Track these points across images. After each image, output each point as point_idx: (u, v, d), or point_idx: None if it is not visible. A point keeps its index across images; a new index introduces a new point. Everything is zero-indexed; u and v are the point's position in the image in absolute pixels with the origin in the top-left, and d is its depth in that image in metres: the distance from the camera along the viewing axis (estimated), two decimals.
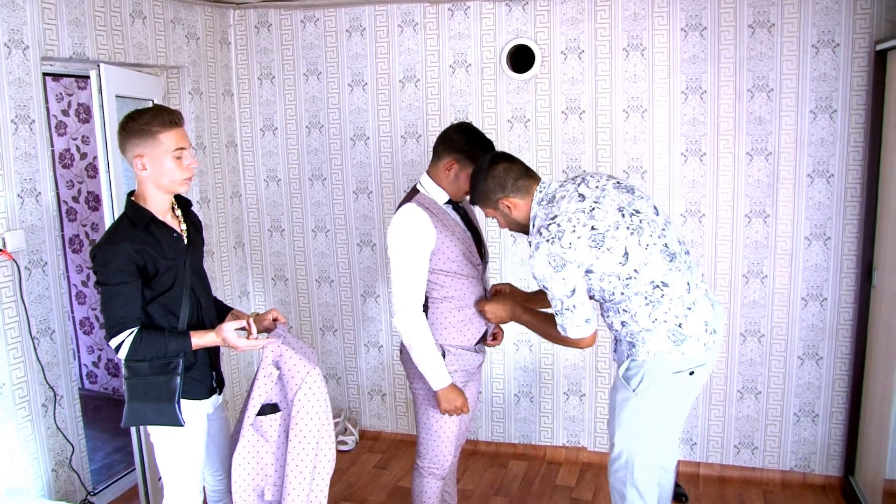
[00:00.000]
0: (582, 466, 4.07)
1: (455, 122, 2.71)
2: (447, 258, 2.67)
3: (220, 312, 2.70)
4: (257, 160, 4.41)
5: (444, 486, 3.02)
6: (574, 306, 2.40)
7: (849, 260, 3.58)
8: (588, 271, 2.39)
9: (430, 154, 2.80)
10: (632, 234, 2.37)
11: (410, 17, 3.98)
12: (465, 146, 2.65)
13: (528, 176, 2.52)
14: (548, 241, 2.34)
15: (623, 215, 2.39)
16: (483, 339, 2.86)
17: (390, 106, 4.10)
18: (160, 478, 3.48)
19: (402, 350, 2.86)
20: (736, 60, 3.57)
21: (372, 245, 4.28)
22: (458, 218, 2.75)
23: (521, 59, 3.87)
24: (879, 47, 3.28)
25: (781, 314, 3.72)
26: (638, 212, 2.43)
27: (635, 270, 2.38)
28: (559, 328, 2.47)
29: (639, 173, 3.77)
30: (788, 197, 3.62)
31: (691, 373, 2.48)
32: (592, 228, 2.34)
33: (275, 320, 2.62)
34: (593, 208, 2.37)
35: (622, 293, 2.42)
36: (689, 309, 2.44)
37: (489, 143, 2.70)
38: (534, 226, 2.47)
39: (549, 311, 2.60)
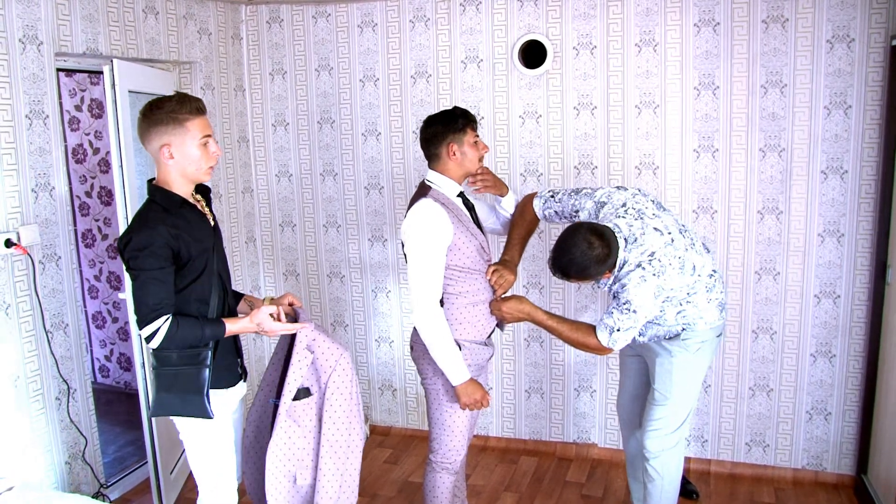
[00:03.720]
0: (592, 463, 4.07)
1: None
2: (463, 254, 2.68)
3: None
4: (269, 155, 4.42)
5: (455, 480, 3.02)
6: (636, 328, 2.67)
7: (862, 257, 3.56)
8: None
9: None
10: (692, 247, 2.74)
11: (422, 12, 3.97)
12: (445, 128, 2.71)
13: (615, 238, 2.64)
14: (654, 275, 2.61)
15: (683, 235, 2.74)
16: (492, 333, 2.87)
17: (402, 101, 4.10)
18: (172, 471, 3.51)
19: (414, 347, 2.87)
20: (749, 56, 3.55)
21: (383, 240, 4.28)
22: (468, 213, 2.76)
23: (532, 54, 3.86)
24: None
25: (794, 311, 3.70)
26: (684, 226, 2.81)
27: (699, 275, 2.76)
28: (606, 341, 2.69)
29: (651, 169, 3.76)
30: (802, 193, 3.59)
31: (720, 334, 2.96)
32: (678, 258, 2.66)
33: (290, 304, 2.61)
34: (673, 240, 2.67)
35: (688, 293, 2.77)
36: (724, 283, 2.96)
37: (454, 110, 2.76)
38: (623, 266, 2.66)
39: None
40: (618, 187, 2.87)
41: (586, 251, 2.56)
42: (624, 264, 2.65)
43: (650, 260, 2.61)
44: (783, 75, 3.52)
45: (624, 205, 2.75)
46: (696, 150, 3.70)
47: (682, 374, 2.92)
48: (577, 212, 2.88)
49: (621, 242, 2.65)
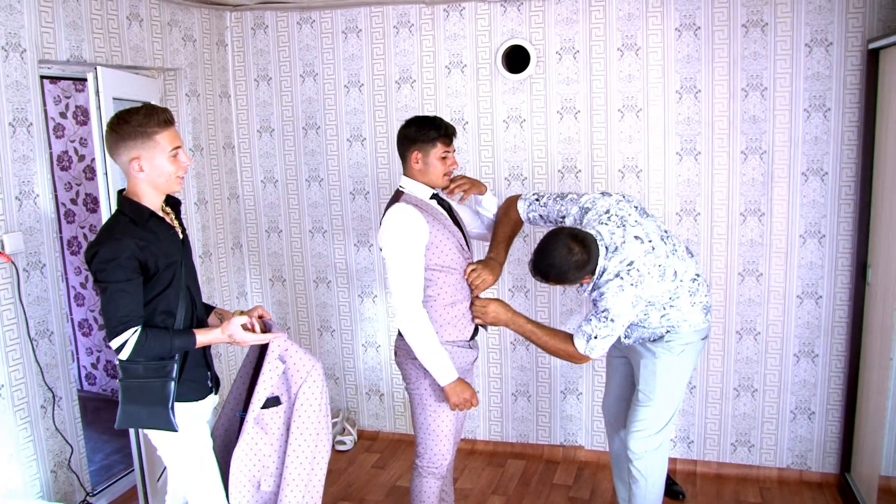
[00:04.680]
0: (579, 465, 4.08)
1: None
2: (441, 252, 2.69)
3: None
4: (254, 161, 4.42)
5: (442, 485, 3.03)
6: (614, 336, 2.70)
7: (843, 257, 3.60)
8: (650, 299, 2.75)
9: None
10: (674, 253, 2.77)
11: (406, 18, 3.99)
12: (416, 134, 2.71)
13: (595, 245, 2.66)
14: (632, 285, 2.64)
15: (664, 242, 2.77)
16: (475, 335, 2.88)
17: (386, 107, 4.11)
18: (159, 478, 3.50)
19: (398, 352, 2.87)
20: (730, 60, 3.59)
21: (369, 245, 4.29)
22: (445, 212, 2.78)
23: (516, 59, 3.89)
24: (872, 46, 3.29)
25: (777, 312, 3.74)
26: (667, 232, 2.84)
27: (681, 280, 2.80)
28: (583, 349, 2.72)
29: (634, 173, 3.79)
30: (783, 195, 3.63)
31: (705, 336, 2.99)
32: (658, 266, 2.68)
33: (260, 317, 2.58)
34: (653, 248, 2.70)
35: (670, 297, 2.80)
36: (708, 286, 2.99)
37: (434, 119, 2.75)
38: (602, 274, 2.69)
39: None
40: (602, 193, 2.89)
41: (566, 256, 2.59)
42: (603, 272, 2.69)
43: (629, 269, 2.64)
44: (763, 79, 3.56)
45: (607, 211, 2.78)
46: (678, 154, 3.73)
47: (665, 376, 2.95)
48: (563, 217, 2.91)
49: (602, 250, 2.68)
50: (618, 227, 2.72)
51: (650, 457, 3.00)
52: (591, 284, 2.74)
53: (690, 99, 3.66)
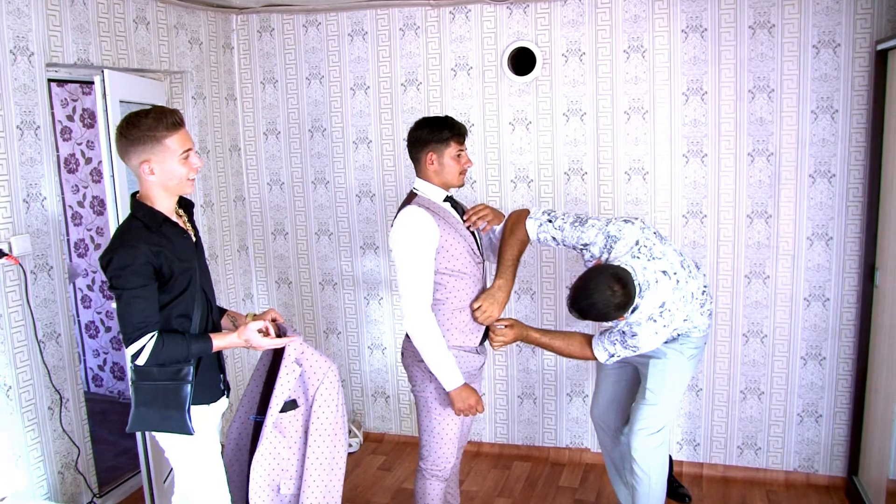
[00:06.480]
0: (585, 468, 4.08)
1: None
2: (452, 256, 2.69)
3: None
4: (260, 164, 4.43)
5: (447, 487, 3.03)
6: (632, 355, 2.82)
7: (851, 260, 3.58)
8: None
9: None
10: (690, 275, 2.80)
11: (412, 20, 4.00)
12: (429, 135, 2.71)
13: (634, 285, 2.63)
14: (665, 326, 2.72)
15: (683, 267, 2.78)
16: (483, 340, 2.87)
17: (392, 109, 4.11)
18: (165, 480, 3.51)
19: (404, 354, 2.87)
20: (737, 61, 3.58)
21: (375, 248, 4.30)
22: (458, 216, 2.78)
23: (522, 61, 3.89)
24: (880, 47, 3.28)
25: (784, 314, 3.72)
26: (681, 254, 2.87)
27: (696, 297, 2.84)
28: (603, 359, 2.84)
29: (640, 175, 3.78)
30: (790, 197, 3.62)
31: (706, 340, 3.06)
32: (683, 297, 2.73)
33: (273, 320, 2.57)
34: (678, 280, 2.71)
35: (687, 315, 2.83)
36: (710, 294, 3.03)
37: (445, 119, 2.74)
38: (633, 311, 2.69)
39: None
40: (625, 220, 2.79)
41: (609, 298, 2.55)
42: (635, 309, 2.66)
43: (661, 312, 2.68)
44: (770, 80, 3.55)
45: (637, 242, 2.73)
46: (685, 156, 3.72)
47: (673, 376, 2.97)
48: (584, 245, 2.80)
49: (636, 288, 2.64)
50: (648, 260, 2.68)
51: (653, 454, 3.01)
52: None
53: (697, 101, 3.65)
